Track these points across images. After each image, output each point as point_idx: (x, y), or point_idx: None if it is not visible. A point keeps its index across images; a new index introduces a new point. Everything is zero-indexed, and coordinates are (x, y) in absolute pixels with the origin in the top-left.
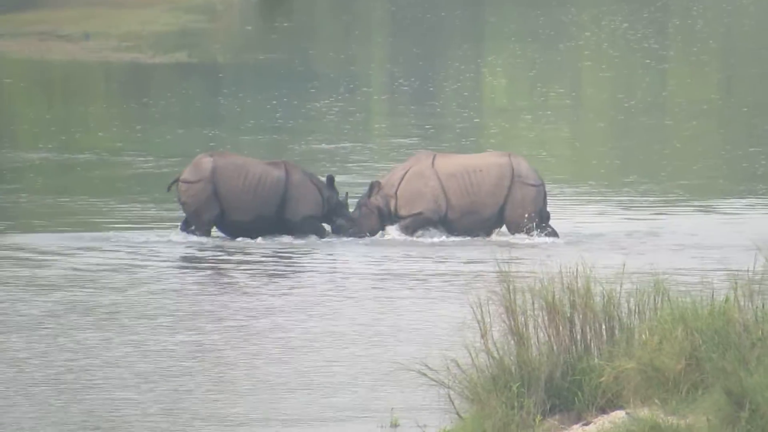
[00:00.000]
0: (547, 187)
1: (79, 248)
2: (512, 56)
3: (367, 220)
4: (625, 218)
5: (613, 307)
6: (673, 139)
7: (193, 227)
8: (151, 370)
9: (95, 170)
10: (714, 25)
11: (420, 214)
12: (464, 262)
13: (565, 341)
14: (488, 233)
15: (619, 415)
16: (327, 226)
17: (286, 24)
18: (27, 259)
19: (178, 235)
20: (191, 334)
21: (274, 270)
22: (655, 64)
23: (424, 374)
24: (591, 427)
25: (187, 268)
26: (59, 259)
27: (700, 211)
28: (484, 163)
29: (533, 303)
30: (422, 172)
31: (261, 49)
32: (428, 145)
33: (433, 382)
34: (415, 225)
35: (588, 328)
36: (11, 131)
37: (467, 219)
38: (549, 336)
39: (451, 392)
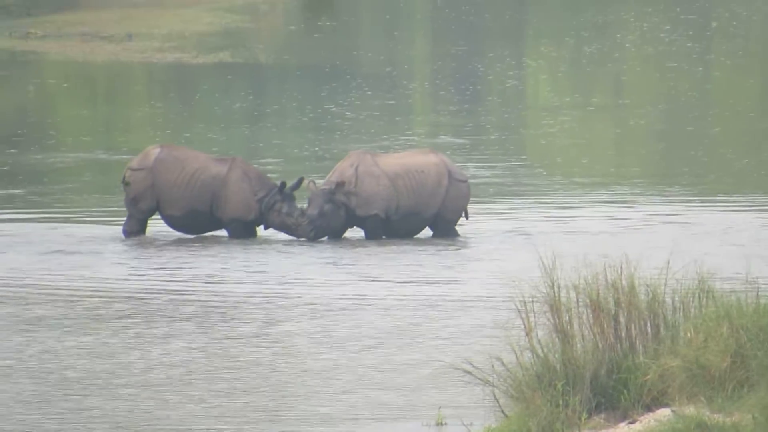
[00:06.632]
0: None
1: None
2: (551, 57)
3: (335, 217)
4: (669, 218)
5: (658, 304)
6: (713, 141)
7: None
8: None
9: None
10: (755, 27)
11: (376, 215)
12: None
13: (610, 339)
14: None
15: (664, 413)
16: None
17: (329, 23)
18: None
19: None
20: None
21: (303, 270)
22: (693, 66)
23: (469, 373)
24: (637, 425)
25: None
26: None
27: (740, 209)
28: (424, 164)
29: (577, 300)
30: (371, 172)
31: (304, 49)
32: (471, 145)
33: (478, 381)
34: (373, 227)
35: (633, 325)
36: (54, 132)
37: (409, 220)
38: (594, 334)
39: (496, 390)
